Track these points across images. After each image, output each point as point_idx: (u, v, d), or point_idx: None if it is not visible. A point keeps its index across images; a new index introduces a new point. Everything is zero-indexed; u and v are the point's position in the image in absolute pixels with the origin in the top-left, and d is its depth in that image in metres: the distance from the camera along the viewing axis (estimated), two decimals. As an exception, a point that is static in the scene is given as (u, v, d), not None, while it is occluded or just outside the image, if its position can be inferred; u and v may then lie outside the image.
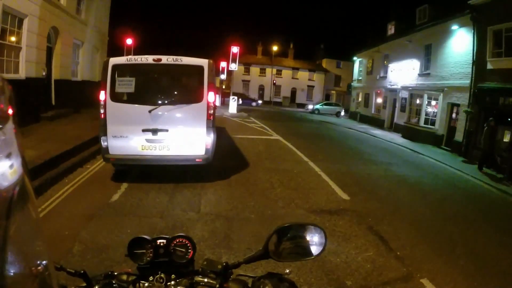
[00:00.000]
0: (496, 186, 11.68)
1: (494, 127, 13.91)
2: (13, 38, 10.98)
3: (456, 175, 12.84)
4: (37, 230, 0.62)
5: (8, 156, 0.57)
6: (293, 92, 56.72)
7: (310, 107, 43.28)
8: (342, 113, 41.32)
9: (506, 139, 13.90)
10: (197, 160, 7.58)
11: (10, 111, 0.54)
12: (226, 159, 10.34)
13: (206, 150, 7.57)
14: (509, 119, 14.41)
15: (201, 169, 8.36)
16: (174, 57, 7.30)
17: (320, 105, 43.00)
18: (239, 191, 7.74)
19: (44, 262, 0.61)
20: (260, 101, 46.84)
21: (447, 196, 9.78)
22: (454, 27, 18.95)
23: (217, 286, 1.22)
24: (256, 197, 7.44)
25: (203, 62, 7.49)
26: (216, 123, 8.12)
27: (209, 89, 7.41)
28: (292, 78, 56.78)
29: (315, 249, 1.27)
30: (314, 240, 1.27)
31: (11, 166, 0.54)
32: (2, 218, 0.50)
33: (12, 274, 0.53)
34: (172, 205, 6.64)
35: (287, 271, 1.24)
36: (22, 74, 11.42)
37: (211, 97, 7.44)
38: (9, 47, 10.78)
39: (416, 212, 7.69)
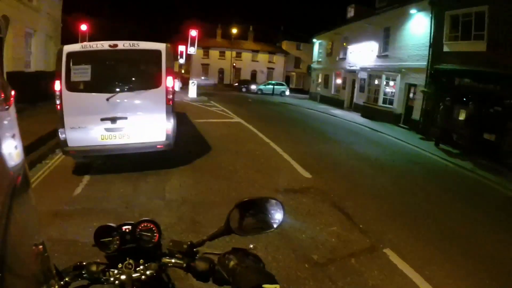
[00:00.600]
0: (452, 160, 12.28)
1: (450, 106, 14.61)
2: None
3: (414, 151, 13.34)
4: (35, 215, 0.66)
5: (13, 137, 0.59)
6: (253, 74, 56.53)
7: (254, 87, 43.25)
8: (287, 93, 41.96)
9: (462, 117, 14.55)
10: (158, 146, 7.41)
11: (13, 93, 0.55)
12: (188, 144, 10.16)
13: (167, 136, 7.40)
14: (464, 99, 15.03)
15: (164, 156, 8.18)
16: (131, 42, 7.03)
17: (263, 85, 43.30)
18: (203, 175, 7.64)
19: (42, 244, 0.64)
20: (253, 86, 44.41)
21: (406, 171, 10.16)
22: (413, 11, 19.51)
23: (184, 265, 1.24)
24: (220, 180, 7.37)
25: (161, 46, 7.26)
26: (176, 108, 7.94)
27: (167, 74, 7.22)
28: (252, 60, 56.51)
29: (274, 222, 1.31)
30: (273, 213, 1.31)
31: (16, 147, 0.57)
32: (7, 197, 0.51)
33: (15, 251, 0.54)
34: (137, 193, 6.46)
35: (251, 246, 1.25)
36: (-32, 69, 10.58)
37: (170, 82, 7.26)
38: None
39: (377, 187, 7.92)
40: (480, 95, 14.01)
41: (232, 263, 1.14)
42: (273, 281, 1.00)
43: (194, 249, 1.31)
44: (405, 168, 10.50)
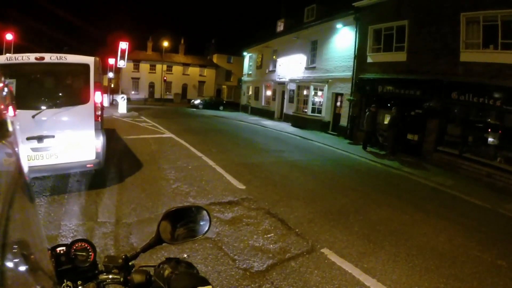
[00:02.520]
0: (380, 161, 13.20)
1: (375, 111, 15.72)
2: None
3: (343, 155, 14.03)
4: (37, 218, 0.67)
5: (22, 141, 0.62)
6: (185, 88, 55.99)
7: (197, 102, 43.85)
8: (221, 107, 43.03)
9: (386, 121, 15.58)
10: (88, 165, 6.92)
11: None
12: (119, 162, 9.71)
13: (97, 154, 6.95)
14: (388, 104, 16.37)
15: (95, 175, 7.73)
16: (58, 55, 6.55)
17: (203, 101, 44.05)
18: (135, 193, 7.29)
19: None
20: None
21: (337, 174, 10.61)
22: (339, 25, 20.87)
23: (122, 279, 1.25)
24: (153, 196, 7.08)
25: (89, 60, 6.84)
26: (105, 125, 7.55)
27: (96, 89, 6.80)
28: (183, 74, 55.95)
29: (201, 228, 1.38)
30: (200, 220, 1.38)
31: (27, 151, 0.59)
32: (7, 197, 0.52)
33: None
34: (68, 216, 5.97)
35: (185, 255, 1.33)
36: None
37: (98, 97, 6.84)
38: None
39: (309, 191, 8.15)
40: (402, 100, 15.32)
41: (166, 272, 1.16)
42: (206, 283, 1.05)
43: (130, 263, 1.31)
44: (336, 171, 10.97)
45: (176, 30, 53.88)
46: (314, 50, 23.92)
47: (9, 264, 0.52)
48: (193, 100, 45.63)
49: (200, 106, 42.30)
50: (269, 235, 5.37)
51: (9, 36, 20.24)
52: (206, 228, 1.38)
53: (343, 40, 20.66)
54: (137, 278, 1.24)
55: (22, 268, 0.58)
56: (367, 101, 17.83)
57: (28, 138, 6.36)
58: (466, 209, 8.36)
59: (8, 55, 6.71)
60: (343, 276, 4.35)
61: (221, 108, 42.64)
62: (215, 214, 5.99)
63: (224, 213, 6.16)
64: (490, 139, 12.55)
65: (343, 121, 20.04)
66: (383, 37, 17.42)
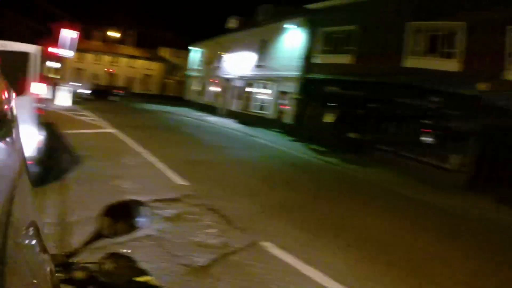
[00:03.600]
0: (321, 158, 13.75)
1: (319, 110, 16.18)
2: None
3: (286, 152, 14.41)
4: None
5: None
6: (130, 81, 54.24)
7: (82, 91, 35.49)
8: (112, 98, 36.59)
9: (329, 120, 16.11)
10: (28, 162, 6.46)
11: None
12: (58, 158, 9.22)
13: (37, 150, 6.50)
14: (332, 104, 16.94)
15: (32, 172, 7.22)
16: None
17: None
18: (75, 191, 6.93)
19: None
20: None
21: (279, 169, 10.93)
22: (291, 26, 21.30)
23: (63, 277, 1.21)
24: (93, 194, 6.77)
25: (30, 48, 6.27)
26: (45, 118, 7.09)
27: (37, 79, 6.33)
28: (129, 66, 54.14)
29: (141, 222, 1.37)
30: (139, 214, 1.38)
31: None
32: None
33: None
34: None
35: (124, 250, 1.27)
36: None
37: (40, 89, 6.38)
38: None
39: (251, 187, 8.26)
40: (346, 100, 15.93)
41: (107, 266, 1.19)
42: (145, 275, 1.10)
43: (70, 260, 1.28)
44: (278, 167, 11.25)
45: (124, 22, 51.58)
46: (263, 48, 24.15)
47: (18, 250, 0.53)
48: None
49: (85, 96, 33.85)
50: (210, 231, 5.36)
51: None
52: (145, 222, 1.38)
53: (292, 41, 21.13)
54: (79, 274, 1.22)
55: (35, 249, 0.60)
56: (312, 100, 18.43)
57: None
58: (400, 201, 8.98)
59: None
60: (284, 267, 4.45)
61: (111, 98, 36.32)
62: (157, 211, 5.84)
63: (165, 210, 6.03)
64: (425, 138, 13.47)
65: (288, 119, 20.53)
66: (333, 40, 18.22)
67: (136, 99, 42.72)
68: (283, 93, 21.53)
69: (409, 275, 4.79)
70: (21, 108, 6.21)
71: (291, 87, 20.54)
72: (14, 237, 0.53)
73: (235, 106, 26.76)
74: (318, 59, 18.95)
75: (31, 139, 6.41)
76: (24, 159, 0.60)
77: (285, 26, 21.69)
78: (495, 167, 11.08)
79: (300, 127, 18.74)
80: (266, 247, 4.94)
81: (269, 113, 22.54)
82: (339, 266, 4.69)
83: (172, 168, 9.08)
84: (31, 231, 0.61)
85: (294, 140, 17.63)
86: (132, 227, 1.37)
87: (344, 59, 17.18)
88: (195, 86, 36.46)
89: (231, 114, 27.11)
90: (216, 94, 31.36)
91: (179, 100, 41.34)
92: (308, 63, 19.57)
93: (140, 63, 54.60)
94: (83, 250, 1.31)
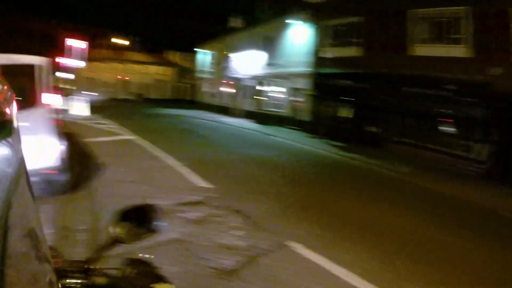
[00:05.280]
0: (341, 153, 13.52)
1: (333, 105, 15.93)
2: None
3: (305, 150, 14.20)
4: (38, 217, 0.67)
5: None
6: (144, 87, 54.65)
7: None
8: None
9: (345, 114, 15.93)
10: (50, 172, 6.57)
11: None
12: (79, 166, 9.31)
13: (58, 159, 6.59)
14: (346, 98, 16.66)
15: (55, 182, 7.34)
16: (3, 55, 6.14)
17: None
18: (98, 198, 7.03)
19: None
20: None
21: (300, 167, 10.72)
22: (296, 21, 21.02)
23: (84, 283, 1.22)
24: (116, 199, 6.82)
25: (40, 60, 6.38)
26: (63, 128, 7.18)
27: (48, 90, 6.44)
28: (142, 73, 54.64)
29: (156, 226, 1.35)
30: (153, 217, 1.36)
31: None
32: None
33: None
34: None
35: (141, 255, 1.37)
36: None
37: (53, 100, 6.49)
38: None
39: (274, 186, 8.13)
40: (360, 94, 15.60)
41: (127, 272, 1.20)
42: (165, 281, 1.09)
43: (89, 266, 1.28)
44: (299, 165, 11.10)
45: (131, 29, 52.10)
46: (271, 46, 23.83)
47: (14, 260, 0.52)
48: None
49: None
50: (236, 233, 5.31)
51: None
52: (160, 225, 1.36)
53: (300, 36, 20.81)
54: (99, 280, 1.22)
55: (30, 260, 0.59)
56: (325, 95, 18.18)
57: None
58: (424, 195, 8.73)
59: None
60: (314, 267, 4.38)
61: None
62: (181, 215, 5.84)
63: (190, 213, 6.02)
64: (442, 128, 13.16)
65: (303, 116, 20.23)
66: (341, 32, 17.85)
67: (151, 104, 43.14)
68: (296, 89, 21.28)
69: (447, 275, 4.61)
70: (35, 119, 6.31)
71: (304, 83, 20.24)
72: (12, 245, 0.52)
73: (248, 105, 26.58)
74: (328, 53, 18.61)
75: (52, 149, 6.51)
76: (24, 165, 0.58)
77: (288, 21, 21.43)
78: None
79: (316, 123, 18.49)
80: (294, 247, 4.87)
81: (284, 111, 22.30)
82: (368, 265, 4.59)
83: (194, 170, 9.07)
84: (29, 239, 0.60)
85: (311, 137, 17.42)
86: (147, 232, 1.35)
87: (353, 51, 16.87)
88: (206, 88, 36.37)
89: (245, 114, 26.95)
90: (229, 94, 31.25)
91: (193, 103, 41.51)
92: (317, 58, 19.26)
93: (152, 69, 54.99)
94: (100, 256, 1.29)
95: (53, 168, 6.57)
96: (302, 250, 4.80)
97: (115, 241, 1.28)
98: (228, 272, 4.17)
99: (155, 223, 1.35)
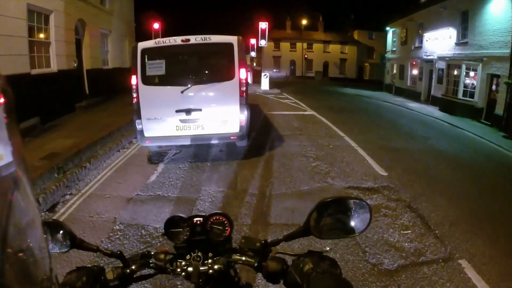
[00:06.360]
0: None
1: None
2: (41, 35, 11.23)
3: (495, 151, 12.11)
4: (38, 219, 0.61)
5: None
6: (325, 66, 55.53)
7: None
8: None
9: None
10: (232, 137, 7.60)
11: (1, 100, 0.52)
12: (260, 136, 10.38)
13: (241, 127, 7.53)
14: None
15: (237, 147, 8.45)
16: (203, 36, 7.21)
17: None
18: (275, 167, 7.78)
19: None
20: None
21: (487, 171, 9.25)
22: None
23: (255, 264, 1.19)
24: (292, 172, 7.45)
25: (232, 39, 7.39)
26: (249, 100, 8.10)
27: (240, 66, 7.33)
28: (324, 51, 55.43)
29: (358, 226, 1.14)
30: (357, 216, 1.14)
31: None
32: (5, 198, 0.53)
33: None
34: (209, 183, 6.76)
35: (327, 248, 1.29)
36: (54, 67, 11.79)
37: (243, 74, 7.37)
38: (38, 43, 11.03)
39: (455, 187, 7.39)
40: None
41: (307, 266, 1.05)
42: None
43: (267, 248, 1.23)
44: (486, 168, 9.56)
45: (313, 8, 52.74)
46: (465, 22, 20.39)
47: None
48: None
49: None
50: (406, 232, 5.16)
51: (156, 25, 23.18)
52: (364, 227, 1.14)
53: (498, 10, 17.05)
54: (272, 266, 1.15)
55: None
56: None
57: (177, 111, 7.24)
58: None
59: (157, 39, 7.54)
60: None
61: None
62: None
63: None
64: None
65: (499, 109, 16.74)
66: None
67: (332, 83, 43.69)
68: (493, 76, 17.92)
69: None
70: (228, 90, 7.38)
71: (502, 69, 16.72)
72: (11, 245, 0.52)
73: (436, 91, 23.87)
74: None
75: (236, 117, 7.47)
76: (25, 163, 0.56)
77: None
78: None
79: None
80: (462, 266, 4.40)
81: (476, 100, 19.06)
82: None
83: (370, 154, 9.08)
84: (29, 236, 0.59)
85: (505, 137, 14.39)
86: (345, 230, 1.16)
87: None
88: (393, 70, 34.34)
89: (432, 100, 24.48)
90: (416, 77, 28.77)
91: (376, 84, 40.26)
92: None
93: (333, 48, 55.28)
94: (285, 242, 1.22)
95: (236, 134, 7.56)
96: (471, 272, 4.27)
97: (306, 231, 1.15)
98: (384, 272, 4.17)
99: (358, 222, 1.15)
